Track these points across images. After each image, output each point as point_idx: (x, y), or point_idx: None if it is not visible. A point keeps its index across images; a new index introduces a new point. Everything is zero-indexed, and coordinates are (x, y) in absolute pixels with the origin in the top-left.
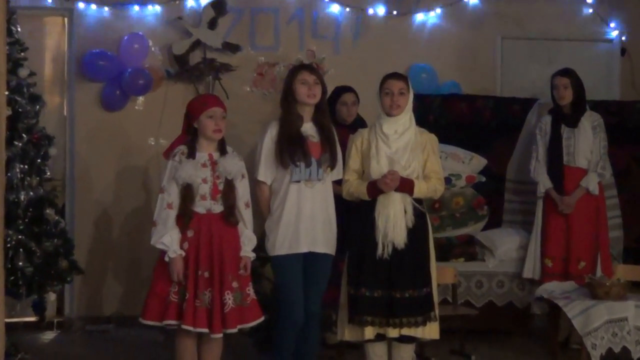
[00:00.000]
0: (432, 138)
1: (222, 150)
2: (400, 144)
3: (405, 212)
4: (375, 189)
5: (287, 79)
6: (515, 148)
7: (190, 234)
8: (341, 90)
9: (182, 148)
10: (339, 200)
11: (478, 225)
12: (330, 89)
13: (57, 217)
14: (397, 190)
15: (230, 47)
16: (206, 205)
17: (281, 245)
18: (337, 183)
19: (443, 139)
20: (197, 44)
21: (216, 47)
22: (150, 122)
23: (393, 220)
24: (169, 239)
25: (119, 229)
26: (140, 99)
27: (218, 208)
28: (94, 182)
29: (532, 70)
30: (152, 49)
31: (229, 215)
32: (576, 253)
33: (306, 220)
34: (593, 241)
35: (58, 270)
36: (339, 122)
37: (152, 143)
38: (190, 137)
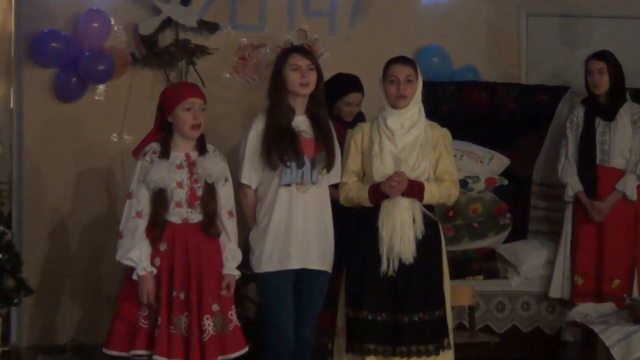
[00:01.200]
0: (445, 133)
1: (202, 149)
2: (407, 141)
3: (414, 220)
4: (379, 193)
5: (275, 64)
6: (543, 145)
7: (162, 247)
8: (348, 88)
9: (154, 146)
10: (336, 207)
11: (499, 236)
12: (326, 77)
13: (2, 228)
14: (404, 194)
15: (207, 26)
16: (182, 213)
17: (268, 260)
18: (335, 187)
19: (458, 135)
20: (167, 22)
21: (190, 26)
22: (113, 115)
23: (400, 231)
24: (137, 254)
25: (77, 241)
26: (101, 87)
27: (196, 217)
28: (46, 186)
29: (564, 53)
30: (115, 28)
31: (209, 225)
32: (609, 269)
33: (298, 231)
34: (629, 255)
35: (3, 290)
36: (339, 117)
37: (116, 140)
38: (163, 133)
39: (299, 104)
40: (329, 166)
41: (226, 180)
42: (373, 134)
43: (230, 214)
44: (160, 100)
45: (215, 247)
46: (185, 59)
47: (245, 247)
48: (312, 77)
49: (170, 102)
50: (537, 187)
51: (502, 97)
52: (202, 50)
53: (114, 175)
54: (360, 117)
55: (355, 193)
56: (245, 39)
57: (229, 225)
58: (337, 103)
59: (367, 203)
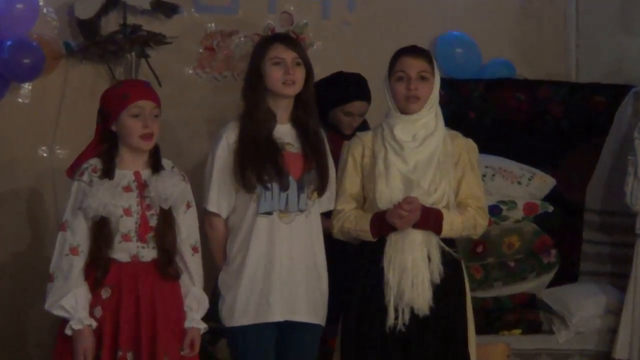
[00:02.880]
0: (470, 145)
1: (156, 166)
2: (421, 156)
3: (430, 259)
4: (384, 224)
5: (252, 56)
6: (599, 161)
7: (105, 293)
8: (351, 94)
9: (94, 163)
10: (330, 242)
11: (543, 278)
12: (317, 73)
13: None
14: (417, 226)
15: (164, 8)
16: (131, 249)
17: (243, 311)
18: (327, 215)
19: (489, 147)
20: (112, 2)
21: (142, 7)
22: (41, 123)
23: (411, 273)
24: (72, 302)
25: None
26: (26, 87)
27: (149, 254)
28: None
29: (626, 42)
30: (44, 10)
31: (167, 264)
32: None
33: (282, 273)
34: None
35: None
36: (335, 127)
37: (45, 154)
38: (106, 145)
39: (283, 109)
40: (321, 189)
41: (188, 206)
42: (376, 147)
43: (194, 249)
44: (101, 104)
45: (174, 293)
46: (136, 51)
47: (213, 293)
48: (299, 74)
49: (114, 106)
50: (592, 215)
51: (546, 99)
52: (158, 39)
53: (43, 199)
54: (363, 129)
55: (354, 224)
56: (213, 25)
57: (193, 265)
58: (335, 111)
59: (369, 237)
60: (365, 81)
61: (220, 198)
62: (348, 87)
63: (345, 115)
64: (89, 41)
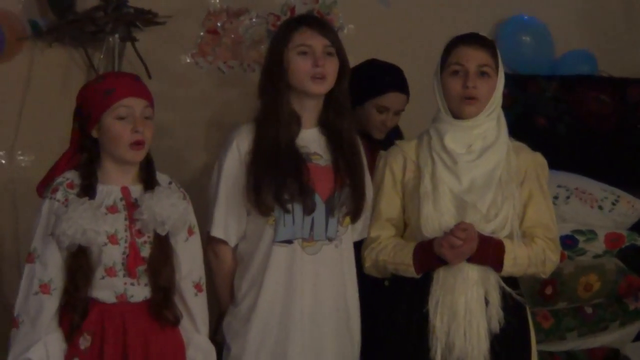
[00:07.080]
0: (538, 161)
1: (149, 181)
2: (478, 173)
3: (488, 302)
4: (431, 257)
5: (273, 44)
6: None
7: (84, 343)
8: (386, 83)
9: (71, 177)
10: (363, 277)
11: (628, 329)
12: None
13: None
14: (472, 260)
15: None
16: (117, 286)
17: None
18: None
19: (562, 162)
20: None
21: None
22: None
23: (465, 319)
24: (42, 353)
25: None
26: None
27: (140, 292)
28: None
29: None
30: None
31: (163, 306)
32: None
33: (304, 317)
34: None
35: None
36: (362, 130)
37: (3, 161)
38: (85, 155)
39: (309, 110)
40: (356, 213)
41: (190, 232)
42: (421, 160)
43: (197, 287)
44: (78, 103)
45: (173, 342)
46: (120, 32)
47: (212, 338)
48: (331, 67)
49: (95, 106)
50: None
51: (637, 101)
52: (147, 19)
53: (3, 222)
54: (395, 136)
55: (392, 256)
56: (217, 1)
57: (196, 307)
58: (365, 106)
59: (412, 272)
60: (402, 71)
61: (228, 221)
62: (383, 75)
63: (379, 112)
64: (61, 19)
